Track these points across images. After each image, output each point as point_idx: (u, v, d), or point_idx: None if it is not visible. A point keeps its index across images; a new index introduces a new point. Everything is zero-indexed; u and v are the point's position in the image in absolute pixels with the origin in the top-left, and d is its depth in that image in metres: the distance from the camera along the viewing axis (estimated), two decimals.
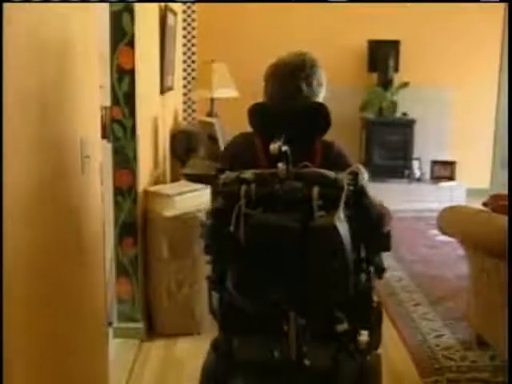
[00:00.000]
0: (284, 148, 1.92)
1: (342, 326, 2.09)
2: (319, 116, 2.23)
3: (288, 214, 1.91)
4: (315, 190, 1.90)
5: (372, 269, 2.13)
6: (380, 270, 2.18)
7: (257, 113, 2.26)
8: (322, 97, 2.36)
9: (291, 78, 2.26)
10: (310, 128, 2.24)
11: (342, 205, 1.89)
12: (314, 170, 2.01)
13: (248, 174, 1.99)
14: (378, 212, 2.12)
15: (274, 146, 1.90)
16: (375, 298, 2.19)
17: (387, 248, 2.13)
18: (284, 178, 1.96)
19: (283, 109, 2.25)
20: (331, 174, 1.99)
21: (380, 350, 2.36)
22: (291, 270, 1.90)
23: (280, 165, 1.93)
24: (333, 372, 2.08)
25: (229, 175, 2.00)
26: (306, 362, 2.01)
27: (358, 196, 2.00)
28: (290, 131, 1.97)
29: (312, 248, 1.89)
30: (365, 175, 2.07)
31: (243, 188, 1.93)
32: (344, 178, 1.97)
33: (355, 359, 2.14)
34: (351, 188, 1.97)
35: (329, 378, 2.07)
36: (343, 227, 1.89)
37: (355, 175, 2.00)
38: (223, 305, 2.12)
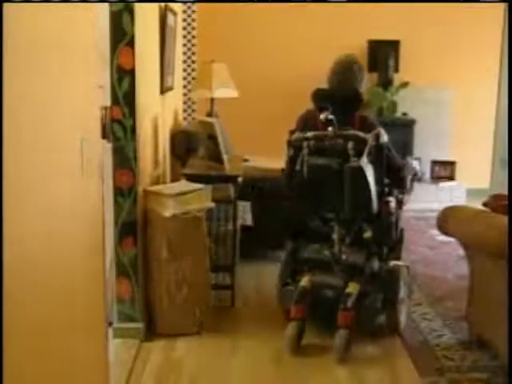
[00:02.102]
0: (330, 117, 3.13)
1: (368, 234, 3.25)
2: (356, 99, 3.39)
3: (333, 159, 3.13)
4: (350, 144, 3.11)
5: (393, 200, 3.30)
6: (399, 202, 3.37)
7: (316, 95, 3.41)
8: (363, 87, 3.48)
9: (345, 72, 3.43)
10: (350, 106, 3.36)
11: (365, 154, 3.08)
12: (350, 132, 3.18)
13: (309, 134, 3.25)
14: (397, 162, 3.38)
15: (323, 115, 3.16)
16: (399, 226, 3.40)
17: (402, 187, 3.39)
18: (331, 137, 3.17)
19: (334, 92, 3.40)
20: (361, 134, 3.15)
21: (401, 263, 3.44)
22: (335, 196, 3.14)
23: (329, 128, 3.17)
24: (362, 266, 3.24)
25: (297, 135, 3.31)
26: (344, 257, 3.25)
27: (379, 149, 3.17)
28: (337, 107, 3.19)
29: (347, 181, 3.08)
30: (384, 137, 3.22)
31: (305, 143, 3.22)
32: (369, 137, 3.14)
33: (379, 262, 3.29)
34: (373, 144, 3.14)
35: (357, 268, 3.23)
36: (368, 168, 3.07)
37: (377, 136, 3.18)
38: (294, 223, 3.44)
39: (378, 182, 3.17)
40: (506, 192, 3.54)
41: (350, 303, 3.15)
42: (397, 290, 3.37)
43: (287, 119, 6.48)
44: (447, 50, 6.54)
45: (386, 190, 3.28)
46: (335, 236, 3.26)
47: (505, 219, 2.80)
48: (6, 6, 1.37)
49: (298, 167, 3.20)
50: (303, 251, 3.38)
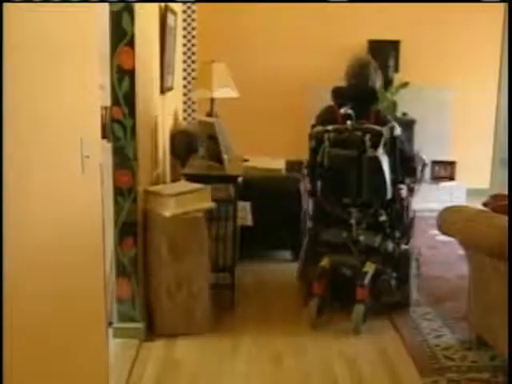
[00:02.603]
0: (349, 111, 3.51)
1: (383, 217, 3.61)
2: (372, 96, 3.75)
3: (351, 149, 3.49)
4: (367, 137, 3.46)
5: (404, 187, 3.69)
6: (411, 189, 3.73)
7: (335, 92, 3.76)
8: (378, 85, 3.88)
9: (362, 72, 3.79)
10: (367, 102, 3.71)
11: (381, 145, 3.44)
12: (367, 125, 3.53)
13: (330, 127, 3.57)
14: (409, 154, 3.76)
15: (343, 110, 3.54)
16: (411, 214, 3.79)
17: (413, 176, 3.72)
18: (350, 130, 3.51)
19: (352, 90, 3.77)
20: (377, 127, 3.50)
21: (407, 247, 3.72)
22: (353, 183, 3.51)
23: (348, 122, 3.51)
24: (377, 247, 3.59)
25: (318, 128, 3.62)
26: (361, 239, 3.58)
27: (393, 141, 3.52)
28: (355, 103, 3.56)
29: (365, 169, 3.46)
30: (398, 130, 3.55)
31: (326, 135, 3.54)
32: (385, 130, 3.49)
33: (393, 244, 3.63)
34: (388, 136, 3.50)
35: (373, 249, 3.59)
36: (384, 158, 3.45)
37: (391, 129, 3.52)
38: (314, 208, 3.76)
39: (392, 170, 3.54)
40: (506, 192, 3.54)
41: (366, 280, 3.49)
42: (408, 269, 3.72)
43: (287, 119, 6.54)
44: (447, 50, 6.54)
45: (400, 178, 3.64)
46: (353, 220, 3.59)
47: (505, 219, 2.80)
48: (5, 6, 1.37)
49: (319, 158, 3.58)
50: (323, 234, 3.72)
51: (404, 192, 3.70)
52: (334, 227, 3.67)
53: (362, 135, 3.47)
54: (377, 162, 3.42)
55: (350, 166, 3.50)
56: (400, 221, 3.70)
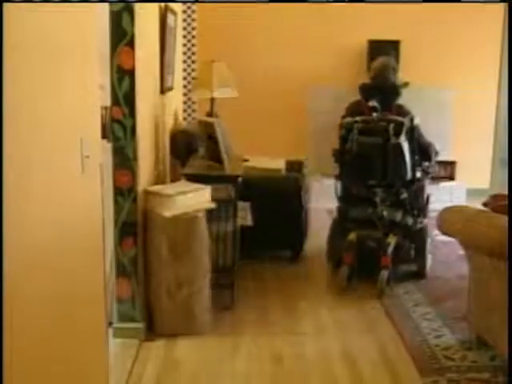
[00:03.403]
0: (375, 104, 4.17)
1: (404, 195, 4.19)
2: (394, 91, 4.40)
3: (377, 137, 4.04)
4: (391, 126, 4.03)
5: (421, 170, 4.30)
6: (426, 172, 4.36)
7: (363, 88, 4.42)
8: (397, 81, 4.61)
9: (385, 71, 4.48)
10: (389, 96, 4.34)
11: (403, 133, 4.02)
12: (390, 117, 4.13)
13: (358, 118, 4.17)
14: (425, 142, 4.29)
15: (371, 103, 4.19)
16: (425, 194, 4.42)
17: (429, 160, 4.34)
18: (376, 120, 4.13)
19: (377, 86, 4.41)
20: (399, 118, 4.10)
21: (424, 222, 4.39)
22: (378, 167, 4.05)
23: (374, 113, 4.16)
24: (399, 222, 4.22)
25: (348, 119, 4.23)
26: (385, 214, 4.16)
27: (412, 130, 4.11)
28: (380, 97, 4.22)
29: (389, 155, 4.01)
30: (417, 119, 4.16)
31: (355, 125, 4.13)
32: (406, 120, 4.09)
33: (412, 219, 4.28)
34: (408, 125, 4.08)
35: (395, 224, 4.20)
36: (405, 145, 4.03)
37: (412, 119, 4.13)
38: (342, 189, 4.37)
39: (412, 155, 4.10)
40: (506, 192, 3.54)
41: (389, 250, 4.06)
42: (425, 242, 4.33)
43: (287, 119, 6.54)
44: (447, 50, 6.54)
45: (418, 162, 4.21)
46: (378, 198, 4.16)
47: (505, 219, 2.80)
48: (5, 6, 1.37)
49: (348, 145, 4.13)
50: (351, 212, 4.30)
51: (419, 173, 4.28)
52: (360, 206, 4.26)
53: (386, 125, 4.05)
54: (399, 148, 4.01)
55: (376, 151, 4.05)
56: (417, 199, 4.34)
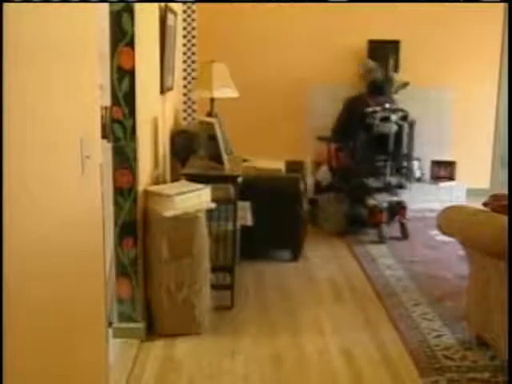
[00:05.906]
0: (383, 98, 5.65)
1: (404, 164, 5.57)
2: (388, 84, 5.78)
3: (389, 123, 5.36)
4: (399, 114, 5.44)
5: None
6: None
7: (369, 84, 5.75)
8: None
9: (377, 70, 5.75)
10: (386, 89, 5.76)
11: (408, 120, 5.47)
12: (396, 107, 5.54)
13: (377, 108, 5.37)
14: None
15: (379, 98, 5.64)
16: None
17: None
18: (391, 110, 5.45)
19: (380, 82, 5.74)
20: (404, 109, 5.47)
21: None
22: (392, 145, 5.39)
23: (387, 105, 5.49)
24: (402, 185, 5.56)
25: (368, 109, 5.36)
26: (393, 180, 5.44)
27: (406, 117, 5.51)
28: (382, 92, 5.74)
29: (399, 136, 5.42)
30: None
31: (377, 114, 5.32)
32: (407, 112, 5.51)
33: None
34: (407, 114, 5.49)
35: (399, 186, 5.56)
36: (410, 128, 5.49)
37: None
38: (356, 166, 5.44)
39: (407, 136, 5.42)
40: (506, 192, 3.54)
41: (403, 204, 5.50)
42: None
43: (287, 119, 6.54)
44: (447, 50, 6.54)
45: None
46: (388, 170, 5.40)
47: (505, 219, 2.80)
48: (5, 5, 1.37)
49: (373, 128, 5.33)
50: (367, 182, 5.39)
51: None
52: (373, 175, 5.42)
53: (397, 114, 5.38)
54: (404, 131, 5.38)
55: (391, 134, 5.34)
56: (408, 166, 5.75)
